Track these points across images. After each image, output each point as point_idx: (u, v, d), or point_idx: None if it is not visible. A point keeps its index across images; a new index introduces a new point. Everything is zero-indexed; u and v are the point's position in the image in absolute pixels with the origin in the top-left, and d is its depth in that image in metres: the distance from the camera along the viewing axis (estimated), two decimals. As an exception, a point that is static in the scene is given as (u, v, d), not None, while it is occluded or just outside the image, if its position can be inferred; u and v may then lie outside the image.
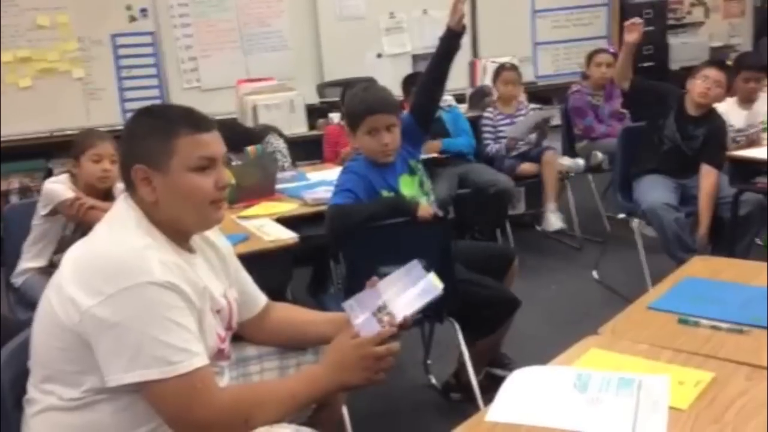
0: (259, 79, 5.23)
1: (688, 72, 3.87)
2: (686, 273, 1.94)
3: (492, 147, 4.60)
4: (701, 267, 1.99)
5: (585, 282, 4.02)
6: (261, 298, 1.80)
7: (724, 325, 1.57)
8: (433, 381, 3.01)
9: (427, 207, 2.52)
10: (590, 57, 5.11)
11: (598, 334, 1.59)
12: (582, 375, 1.36)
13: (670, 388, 1.29)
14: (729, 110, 4.06)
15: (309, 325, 1.81)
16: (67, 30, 5.14)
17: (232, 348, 1.68)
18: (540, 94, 6.20)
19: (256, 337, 1.79)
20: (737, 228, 3.52)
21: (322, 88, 5.66)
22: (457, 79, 5.07)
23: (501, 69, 4.82)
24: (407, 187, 2.57)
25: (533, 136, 4.57)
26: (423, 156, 4.00)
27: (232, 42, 5.58)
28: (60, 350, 1.41)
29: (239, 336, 1.75)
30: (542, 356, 1.51)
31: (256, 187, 3.25)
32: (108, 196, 2.81)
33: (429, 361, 3.07)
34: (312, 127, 5.22)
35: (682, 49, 6.74)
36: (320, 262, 3.75)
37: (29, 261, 2.89)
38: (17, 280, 2.90)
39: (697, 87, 3.64)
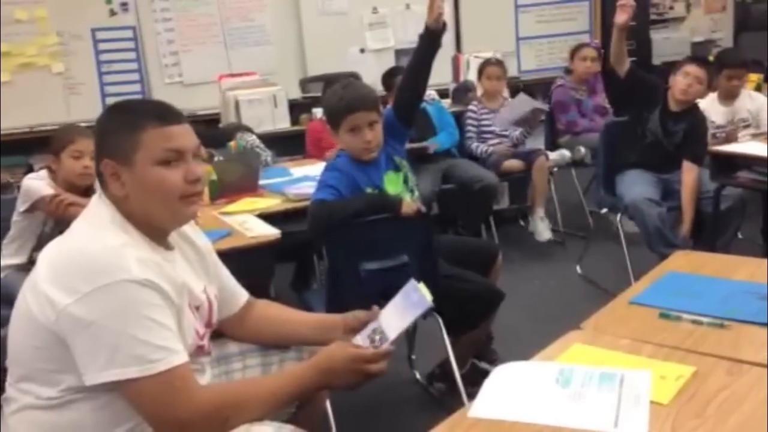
0: (242, 74, 5.20)
1: (670, 67, 3.89)
2: (668, 268, 1.95)
3: (478, 147, 4.60)
4: (683, 262, 2.00)
5: (568, 276, 4.03)
6: (242, 295, 1.79)
7: (705, 320, 1.57)
8: (417, 376, 3.01)
9: (410, 203, 2.51)
10: (574, 52, 5.12)
11: (580, 329, 1.59)
12: (564, 370, 1.36)
13: (652, 383, 1.30)
14: (709, 106, 4.08)
15: (291, 324, 1.80)
16: (46, 24, 5.08)
17: (213, 345, 1.67)
18: (523, 89, 6.20)
19: (237, 334, 1.78)
20: (719, 222, 3.55)
21: (305, 83, 5.64)
22: (440, 74, 5.08)
23: (486, 64, 4.82)
24: (392, 184, 2.57)
25: (517, 133, 4.57)
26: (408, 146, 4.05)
27: (214, 37, 5.54)
28: (36, 349, 1.39)
29: (221, 333, 1.74)
30: (525, 351, 1.51)
31: (238, 183, 3.23)
32: (88, 192, 2.78)
33: (413, 356, 3.07)
34: (295, 122, 5.20)
35: (664, 44, 6.78)
36: (304, 257, 3.74)
37: (8, 258, 2.86)
38: (-4, 278, 2.86)
39: (678, 83, 3.66)
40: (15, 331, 1.44)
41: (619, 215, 3.81)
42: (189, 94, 5.27)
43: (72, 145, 2.83)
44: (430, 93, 4.52)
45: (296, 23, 5.76)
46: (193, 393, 1.40)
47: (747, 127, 4.17)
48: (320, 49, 5.75)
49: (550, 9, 6.54)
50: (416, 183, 2.71)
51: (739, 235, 3.98)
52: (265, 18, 5.65)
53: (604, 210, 4.01)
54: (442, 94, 5.25)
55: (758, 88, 4.64)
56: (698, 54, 5.78)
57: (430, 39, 2.56)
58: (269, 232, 2.62)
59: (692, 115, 3.73)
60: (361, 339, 1.64)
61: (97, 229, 1.44)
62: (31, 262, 2.77)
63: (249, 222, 2.76)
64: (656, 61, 6.68)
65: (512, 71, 6.09)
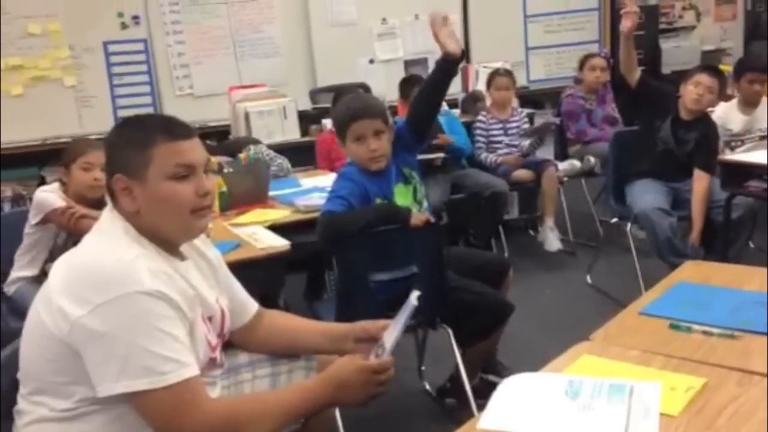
0: (252, 86, 5.22)
1: (680, 76, 3.88)
2: (678, 278, 1.94)
3: (487, 157, 4.61)
4: (694, 272, 1.99)
5: (578, 287, 4.02)
6: (252, 306, 1.79)
7: (715, 331, 1.56)
8: (427, 387, 3.00)
9: (419, 215, 2.52)
10: (583, 61, 5.12)
11: (590, 340, 1.59)
12: (573, 382, 1.36)
13: (662, 395, 1.29)
14: (728, 113, 4.05)
15: (301, 333, 1.81)
16: (59, 37, 5.12)
17: (223, 356, 1.68)
18: (532, 99, 6.21)
19: (248, 345, 1.79)
20: (729, 232, 3.53)
21: (315, 94, 5.65)
22: (449, 84, 5.08)
23: (494, 74, 4.83)
24: (402, 196, 2.57)
25: (527, 143, 4.58)
26: (428, 156, 4.01)
27: (224, 49, 5.57)
28: (49, 361, 1.40)
29: (231, 344, 1.75)
30: (535, 362, 1.51)
31: (249, 194, 3.24)
32: (99, 204, 2.79)
33: (423, 368, 3.06)
34: (305, 133, 5.21)
35: (674, 52, 6.77)
36: (315, 268, 3.75)
37: (21, 270, 2.88)
38: (9, 289, 2.88)
39: (689, 93, 3.65)
40: (27, 343, 1.46)
41: (629, 225, 3.80)
42: (199, 105, 5.30)
43: (82, 157, 2.85)
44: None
45: (306, 35, 5.78)
46: (203, 406, 1.40)
47: (764, 138, 4.11)
48: (330, 60, 5.77)
49: (558, 19, 6.54)
50: (425, 195, 2.71)
51: (751, 245, 3.96)
52: (275, 30, 5.68)
53: (614, 220, 4.00)
54: (451, 104, 5.25)
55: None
56: (708, 63, 5.76)
57: (448, 65, 2.57)
58: (279, 243, 2.63)
59: (704, 123, 3.72)
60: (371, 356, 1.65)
61: (110, 242, 1.46)
62: (43, 274, 2.79)
63: (259, 233, 2.77)
64: (666, 70, 6.67)
65: (521, 81, 6.10)
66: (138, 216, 1.49)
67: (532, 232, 4.96)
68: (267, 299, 2.25)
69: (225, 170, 3.32)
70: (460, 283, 2.54)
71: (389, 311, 1.79)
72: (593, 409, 1.27)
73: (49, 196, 2.86)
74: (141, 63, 5.39)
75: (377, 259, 2.45)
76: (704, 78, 3.63)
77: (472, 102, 5.32)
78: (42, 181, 4.85)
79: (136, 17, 5.32)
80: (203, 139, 1.65)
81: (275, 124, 4.96)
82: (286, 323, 1.84)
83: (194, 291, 1.51)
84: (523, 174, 4.54)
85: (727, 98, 4.18)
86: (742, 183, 3.47)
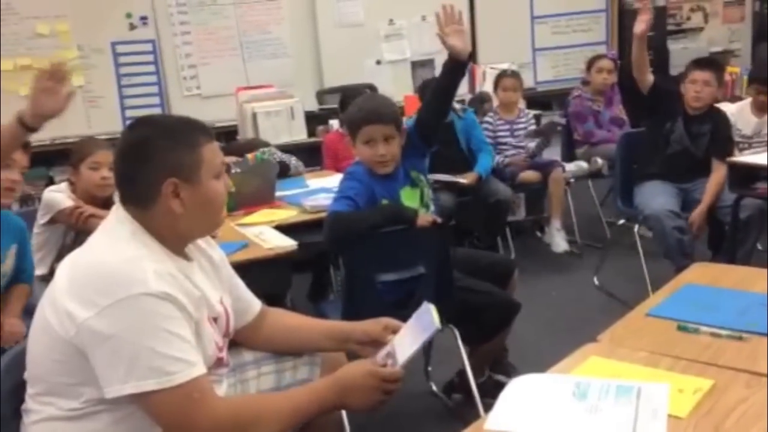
0: (259, 87, 5.24)
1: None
2: (686, 279, 1.94)
3: (494, 159, 4.59)
4: (701, 274, 1.99)
5: (585, 288, 4.01)
6: (255, 305, 1.80)
7: (723, 332, 1.56)
8: (434, 388, 3.00)
9: (426, 216, 2.52)
10: (591, 63, 5.12)
11: (597, 342, 1.59)
12: (581, 383, 1.35)
13: (670, 396, 1.29)
14: (740, 113, 4.04)
15: (304, 332, 1.82)
16: (67, 38, 5.15)
17: (229, 354, 1.68)
18: (539, 100, 6.20)
19: (252, 343, 1.79)
20: (738, 233, 3.52)
21: (322, 95, 5.67)
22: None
23: (502, 75, 4.81)
24: (408, 199, 2.57)
25: (533, 144, 4.57)
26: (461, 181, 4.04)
27: (231, 49, 5.58)
28: (56, 362, 1.40)
29: (235, 342, 1.75)
30: (542, 363, 1.51)
31: (255, 194, 3.25)
32: (107, 204, 2.81)
33: (429, 368, 3.06)
34: (311, 134, 5.22)
35: (682, 54, 6.73)
36: (320, 268, 3.75)
37: (30, 269, 2.89)
38: (18, 288, 2.89)
39: (688, 91, 3.68)
40: (34, 343, 1.46)
41: (636, 226, 3.79)
42: (207, 106, 5.31)
43: (90, 156, 2.87)
44: (457, 106, 4.49)
45: (313, 36, 5.79)
46: (212, 405, 1.41)
47: None
48: (337, 61, 5.78)
49: (566, 20, 6.53)
50: (432, 197, 2.71)
51: (759, 247, 3.94)
52: (283, 31, 5.69)
53: (621, 221, 3.99)
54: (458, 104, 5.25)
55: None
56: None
57: (455, 68, 2.55)
58: (286, 243, 2.63)
59: (715, 115, 3.74)
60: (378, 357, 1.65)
61: (116, 242, 1.46)
62: (52, 274, 2.78)
63: (266, 233, 2.77)
64: (674, 71, 6.63)
65: (528, 82, 6.10)
66: (177, 218, 1.48)
67: (538, 234, 4.95)
68: (273, 299, 2.25)
69: (233, 171, 3.33)
70: (466, 283, 2.54)
71: (395, 312, 1.79)
72: (601, 411, 1.26)
73: (58, 195, 2.87)
74: (149, 63, 5.40)
75: (384, 260, 2.45)
76: (698, 74, 3.65)
77: (479, 103, 5.31)
78: (50, 181, 4.87)
79: (144, 18, 5.34)
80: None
81: (282, 125, 4.98)
82: (290, 322, 1.85)
83: (200, 292, 1.52)
84: (529, 175, 4.54)
85: (736, 98, 4.17)
86: (751, 185, 3.47)
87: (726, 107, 4.02)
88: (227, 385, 1.67)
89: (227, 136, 5.01)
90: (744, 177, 3.51)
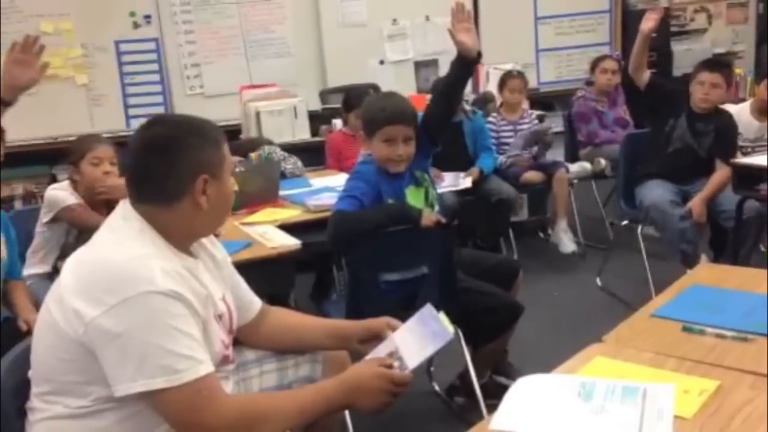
0: (262, 86, 5.24)
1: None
2: (691, 281, 1.94)
3: (498, 159, 4.59)
4: (706, 275, 1.99)
5: (588, 289, 4.01)
6: (256, 303, 1.80)
7: (729, 333, 1.56)
8: (437, 388, 3.00)
9: (430, 215, 2.51)
10: (595, 63, 5.11)
11: (602, 342, 1.58)
12: (586, 383, 1.35)
13: (675, 397, 1.29)
14: (739, 116, 4.02)
15: (306, 331, 1.82)
16: (71, 36, 5.15)
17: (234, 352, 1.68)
18: (542, 101, 6.19)
19: (253, 341, 1.79)
20: (740, 232, 3.51)
21: (325, 94, 5.66)
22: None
23: (507, 76, 4.81)
24: (413, 198, 2.56)
25: (535, 149, 4.57)
26: (461, 186, 4.02)
27: (235, 48, 5.59)
28: (64, 361, 1.40)
29: (236, 341, 1.75)
30: (546, 364, 1.50)
31: (259, 194, 3.25)
32: (109, 204, 2.81)
33: (432, 368, 3.06)
34: (315, 133, 5.22)
35: (686, 55, 6.74)
36: (323, 268, 3.75)
37: (33, 267, 2.89)
38: (21, 286, 2.89)
39: (696, 92, 3.67)
40: (39, 342, 1.46)
41: (639, 227, 3.78)
42: (210, 105, 5.31)
43: (90, 152, 2.86)
44: (467, 108, 4.49)
45: (316, 35, 5.80)
46: (220, 402, 1.41)
47: None
48: (340, 61, 5.78)
49: (569, 21, 6.53)
50: (436, 196, 2.71)
51: (762, 248, 3.94)
52: (286, 30, 5.70)
53: (625, 222, 3.98)
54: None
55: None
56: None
57: (464, 66, 2.55)
58: (290, 242, 2.63)
59: (721, 116, 3.73)
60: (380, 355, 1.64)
61: (123, 240, 1.45)
62: (55, 272, 2.80)
63: (269, 232, 2.77)
64: (677, 72, 6.64)
65: (532, 83, 6.08)
66: (198, 215, 1.51)
67: (541, 234, 4.95)
68: (277, 299, 2.25)
69: (236, 170, 3.32)
70: (470, 284, 2.53)
71: (398, 312, 1.79)
72: (606, 411, 1.26)
73: (61, 193, 2.87)
74: (152, 62, 5.41)
75: (387, 260, 2.45)
76: (706, 75, 3.65)
77: (483, 103, 5.30)
78: (53, 179, 4.88)
79: (147, 17, 5.35)
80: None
81: (286, 124, 4.98)
82: (290, 320, 1.85)
83: (206, 290, 1.52)
84: (533, 176, 4.53)
85: (739, 100, 4.16)
86: (754, 187, 3.46)
87: (726, 109, 4.01)
88: (232, 383, 1.67)
89: (230, 135, 5.00)
90: (747, 179, 3.50)
